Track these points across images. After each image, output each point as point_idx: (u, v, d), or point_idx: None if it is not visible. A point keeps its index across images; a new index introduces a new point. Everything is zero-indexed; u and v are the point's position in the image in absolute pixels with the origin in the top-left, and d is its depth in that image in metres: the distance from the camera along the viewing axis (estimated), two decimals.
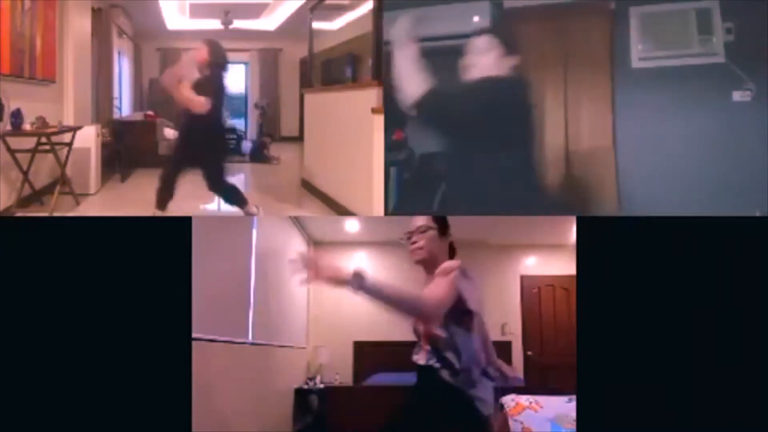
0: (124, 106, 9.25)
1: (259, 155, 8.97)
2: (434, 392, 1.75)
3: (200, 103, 3.66)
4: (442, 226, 1.85)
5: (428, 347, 1.78)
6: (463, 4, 3.16)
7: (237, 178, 7.75)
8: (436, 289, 1.66)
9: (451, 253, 1.88)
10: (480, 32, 2.54)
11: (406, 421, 1.81)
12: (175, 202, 3.85)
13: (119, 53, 8.83)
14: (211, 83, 3.75)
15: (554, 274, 5.73)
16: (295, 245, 4.84)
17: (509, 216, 2.46)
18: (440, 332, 1.71)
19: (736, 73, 3.34)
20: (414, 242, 1.83)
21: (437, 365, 1.74)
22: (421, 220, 1.85)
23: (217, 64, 3.81)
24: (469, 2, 3.16)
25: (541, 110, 3.58)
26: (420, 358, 1.81)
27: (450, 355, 1.72)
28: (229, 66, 3.97)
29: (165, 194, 3.82)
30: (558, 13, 3.68)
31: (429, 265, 1.82)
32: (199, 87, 3.70)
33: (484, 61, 2.42)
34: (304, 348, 4.90)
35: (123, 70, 9.29)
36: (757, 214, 3.09)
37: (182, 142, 3.97)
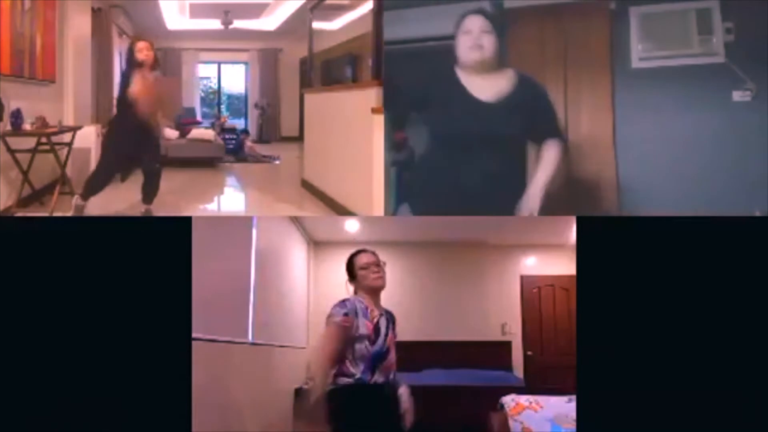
0: None
1: (238, 152, 8.91)
2: None
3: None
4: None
5: None
6: (463, 5, 3.16)
7: (236, 179, 7.76)
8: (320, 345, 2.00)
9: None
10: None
11: None
12: (174, 202, 3.83)
13: (119, 53, 8.82)
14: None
15: (554, 274, 5.71)
16: (295, 245, 4.84)
17: (509, 216, 2.46)
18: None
19: (736, 73, 3.34)
20: (377, 272, 2.12)
21: None
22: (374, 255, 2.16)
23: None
24: (469, 2, 3.16)
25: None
26: None
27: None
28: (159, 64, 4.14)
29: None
30: (558, 13, 3.68)
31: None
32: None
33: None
34: (304, 348, 4.89)
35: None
36: (757, 214, 3.09)
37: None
